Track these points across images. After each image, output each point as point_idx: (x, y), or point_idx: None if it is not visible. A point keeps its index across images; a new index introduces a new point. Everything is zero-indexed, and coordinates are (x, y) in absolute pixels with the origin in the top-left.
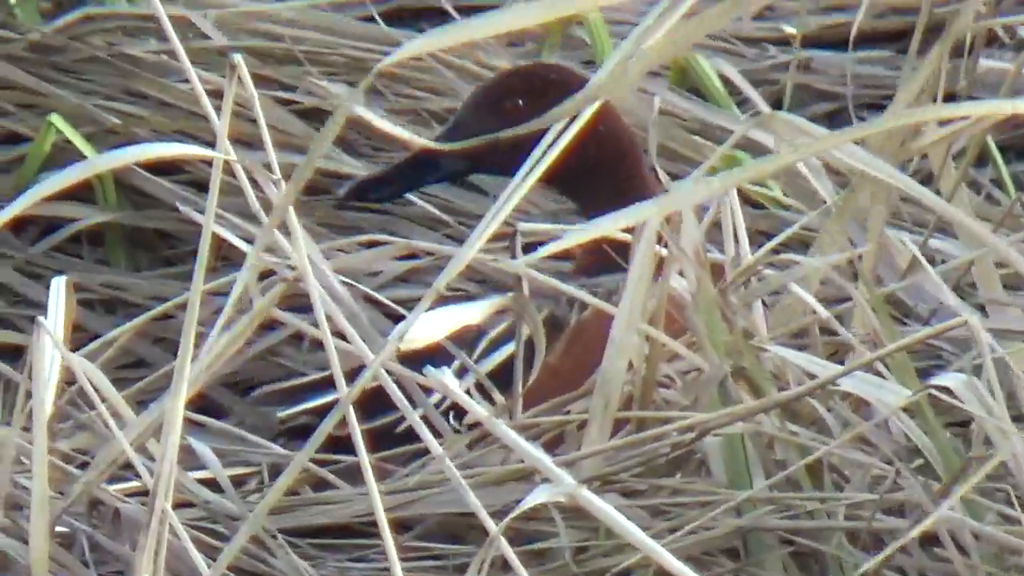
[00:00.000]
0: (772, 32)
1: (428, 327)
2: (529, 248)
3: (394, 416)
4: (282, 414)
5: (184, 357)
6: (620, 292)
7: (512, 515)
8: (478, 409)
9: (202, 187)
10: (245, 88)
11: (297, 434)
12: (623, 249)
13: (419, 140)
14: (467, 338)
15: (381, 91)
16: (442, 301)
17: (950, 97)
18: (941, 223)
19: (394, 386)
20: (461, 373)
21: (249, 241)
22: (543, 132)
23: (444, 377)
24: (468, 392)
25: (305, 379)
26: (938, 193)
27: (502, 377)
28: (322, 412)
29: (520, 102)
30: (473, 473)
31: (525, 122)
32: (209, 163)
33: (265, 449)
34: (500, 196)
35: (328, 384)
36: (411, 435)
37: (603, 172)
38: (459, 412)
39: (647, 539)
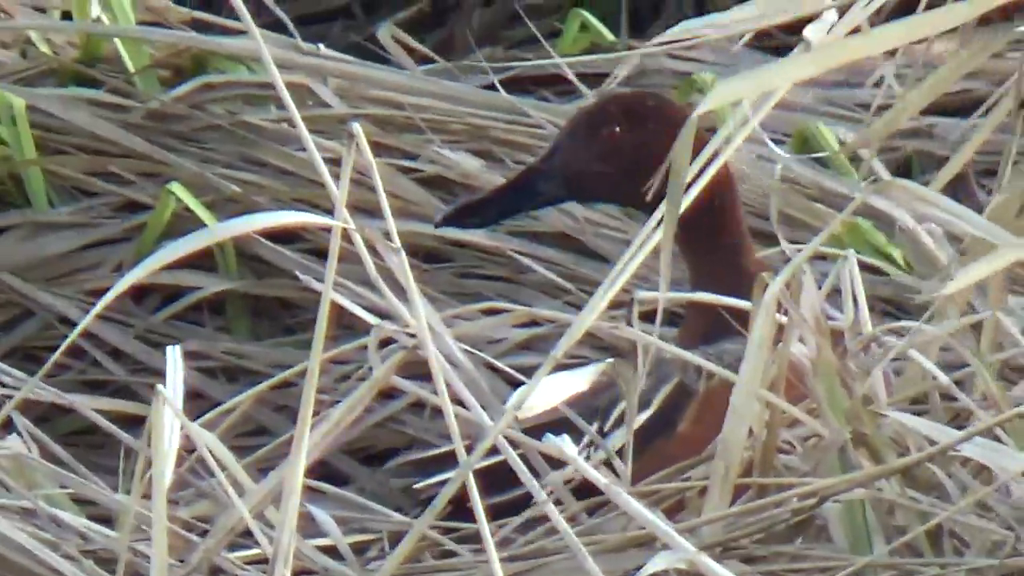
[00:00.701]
0: (892, 99)
1: (542, 395)
2: (649, 315)
3: (523, 490)
4: (419, 485)
5: (303, 424)
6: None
7: None
8: (597, 476)
9: (322, 255)
10: (364, 156)
11: (428, 501)
12: (737, 313)
13: None
14: (600, 405)
15: (501, 158)
16: (563, 369)
17: None
18: None
19: (513, 454)
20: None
21: (369, 309)
22: (641, 161)
23: (563, 445)
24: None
25: (439, 450)
26: None
27: (636, 443)
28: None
29: (618, 128)
30: (593, 540)
31: (622, 149)
32: (329, 231)
33: (386, 517)
34: (617, 263)
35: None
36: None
37: (714, 225)
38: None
39: None
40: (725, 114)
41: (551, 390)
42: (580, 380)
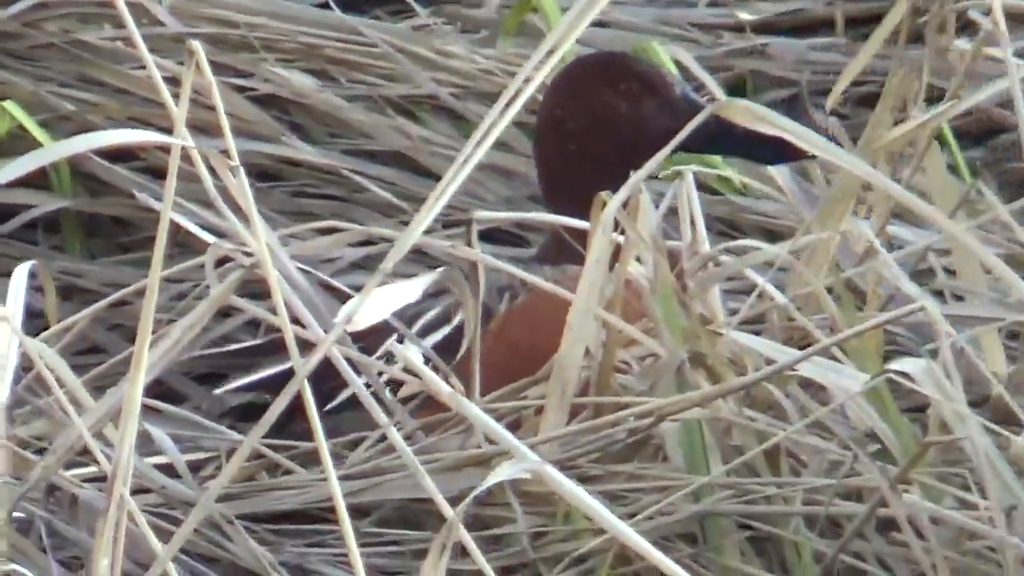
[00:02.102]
0: (727, 19)
1: (372, 308)
2: (486, 235)
3: (333, 383)
4: (220, 391)
5: (142, 343)
6: (565, 277)
7: (475, 493)
8: (445, 388)
9: (157, 174)
10: (203, 75)
11: (247, 417)
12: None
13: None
14: (406, 316)
15: (336, 78)
16: None
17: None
18: (900, 209)
19: (348, 368)
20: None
21: (206, 228)
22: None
23: (409, 354)
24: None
25: (271, 371)
26: (896, 179)
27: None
28: (261, 386)
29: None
30: (430, 459)
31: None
32: (165, 150)
33: (222, 435)
34: (443, 179)
35: (262, 355)
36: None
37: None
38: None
39: (612, 517)
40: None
41: (382, 302)
42: (410, 291)
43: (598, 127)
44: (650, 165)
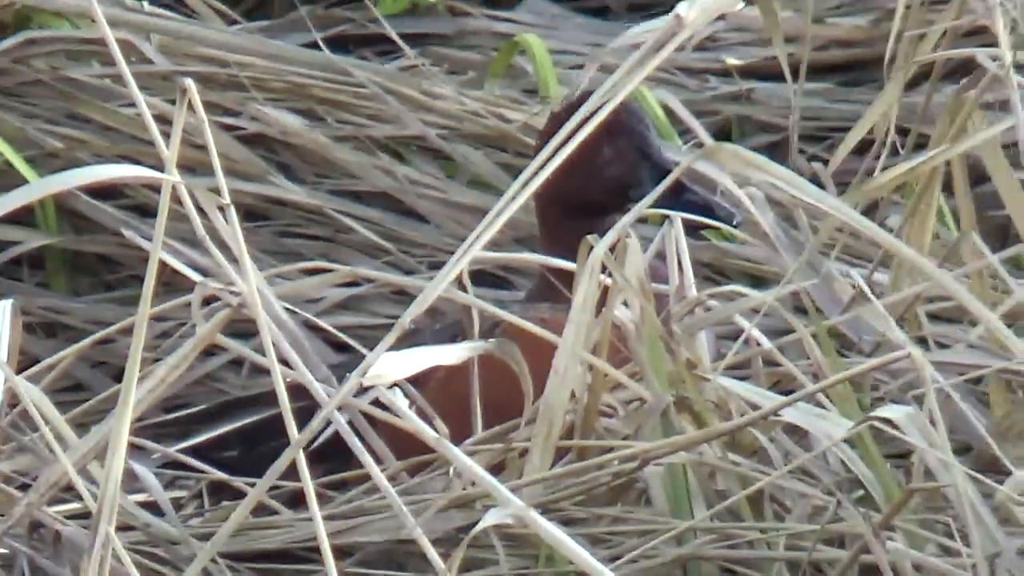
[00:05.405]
0: (714, 63)
1: (395, 365)
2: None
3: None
4: (203, 438)
5: (130, 380)
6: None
7: (464, 543)
8: (429, 431)
9: (143, 212)
10: (195, 113)
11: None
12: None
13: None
14: None
15: (323, 117)
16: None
17: (901, 131)
18: (884, 257)
19: (345, 425)
20: None
21: (192, 267)
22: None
23: (395, 399)
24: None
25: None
26: (882, 226)
27: None
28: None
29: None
30: (414, 500)
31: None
32: (151, 187)
33: (203, 472)
34: (477, 227)
35: (225, 412)
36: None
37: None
38: None
39: (594, 561)
40: (547, 79)
41: (401, 361)
42: (438, 356)
43: (564, 170)
44: (635, 212)
